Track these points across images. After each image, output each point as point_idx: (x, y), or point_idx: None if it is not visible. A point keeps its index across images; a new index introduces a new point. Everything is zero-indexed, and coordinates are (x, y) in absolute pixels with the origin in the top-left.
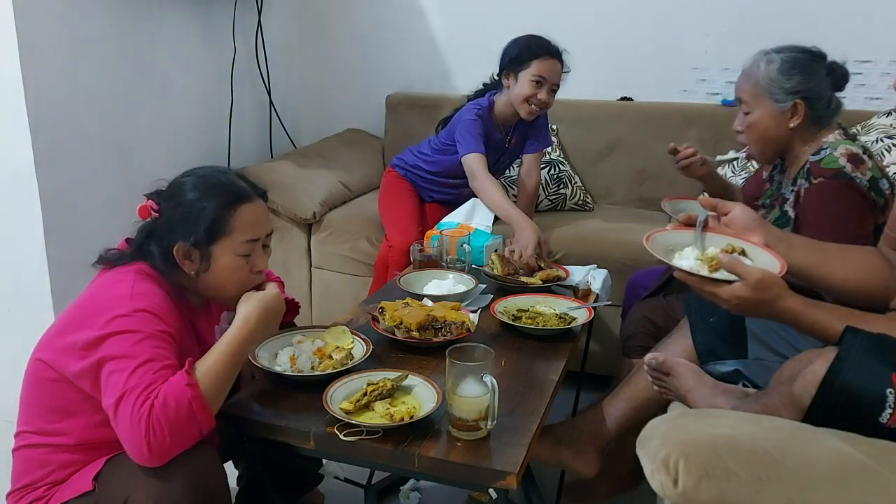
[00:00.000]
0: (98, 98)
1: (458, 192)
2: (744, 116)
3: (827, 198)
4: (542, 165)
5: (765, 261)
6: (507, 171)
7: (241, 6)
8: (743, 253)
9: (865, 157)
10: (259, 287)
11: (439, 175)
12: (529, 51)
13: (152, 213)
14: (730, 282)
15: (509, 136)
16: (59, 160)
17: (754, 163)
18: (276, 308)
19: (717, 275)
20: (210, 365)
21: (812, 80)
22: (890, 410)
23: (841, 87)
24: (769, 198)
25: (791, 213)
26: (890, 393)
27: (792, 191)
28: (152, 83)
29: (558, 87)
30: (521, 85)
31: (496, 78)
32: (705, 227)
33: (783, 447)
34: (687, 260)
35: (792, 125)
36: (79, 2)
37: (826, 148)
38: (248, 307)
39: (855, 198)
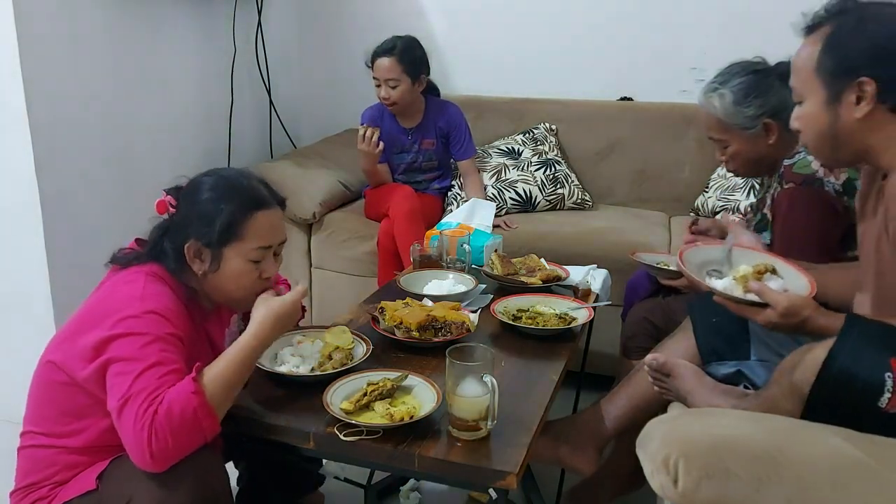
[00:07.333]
0: (98, 98)
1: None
2: (723, 149)
3: (794, 206)
4: (537, 166)
5: (794, 280)
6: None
7: (241, 6)
8: (774, 271)
9: None
10: (277, 292)
11: (409, 171)
12: (370, 63)
13: (170, 208)
14: (764, 305)
15: (416, 135)
16: (59, 160)
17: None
18: (290, 315)
19: (751, 297)
20: (219, 371)
21: (769, 96)
22: (889, 394)
23: None
24: (757, 201)
25: (769, 216)
26: (889, 377)
27: (771, 195)
28: (152, 83)
29: (395, 79)
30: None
31: None
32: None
33: (783, 447)
34: (721, 281)
35: (770, 142)
36: (79, 2)
37: (800, 151)
38: (263, 313)
39: (820, 208)
